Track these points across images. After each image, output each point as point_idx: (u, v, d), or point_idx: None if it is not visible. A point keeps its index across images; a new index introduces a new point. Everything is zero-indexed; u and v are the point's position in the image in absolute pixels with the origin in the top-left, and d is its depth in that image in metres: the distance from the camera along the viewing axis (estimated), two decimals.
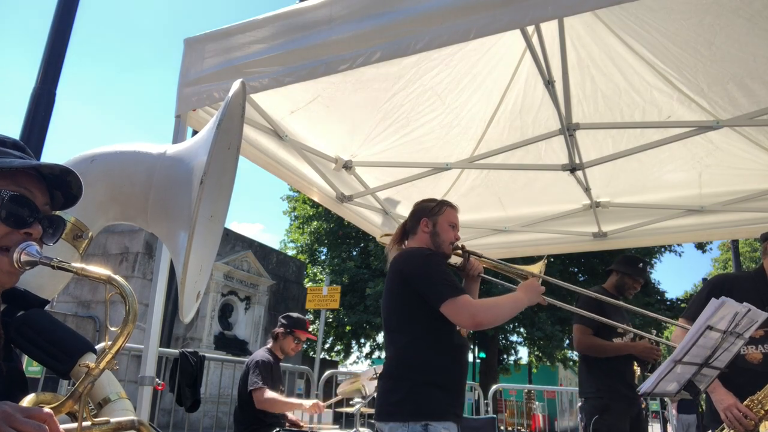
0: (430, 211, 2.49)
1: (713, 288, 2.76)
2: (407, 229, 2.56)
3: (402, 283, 2.29)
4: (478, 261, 2.57)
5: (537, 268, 2.54)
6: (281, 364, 4.30)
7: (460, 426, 2.22)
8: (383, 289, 2.44)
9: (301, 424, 4.22)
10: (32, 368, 5.20)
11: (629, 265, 3.66)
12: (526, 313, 16.71)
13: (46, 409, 0.84)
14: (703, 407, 3.77)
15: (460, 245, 2.53)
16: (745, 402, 2.43)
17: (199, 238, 1.36)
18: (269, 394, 3.75)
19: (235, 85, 1.39)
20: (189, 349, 4.67)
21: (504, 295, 2.31)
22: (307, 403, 4.08)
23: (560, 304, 2.69)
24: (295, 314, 4.26)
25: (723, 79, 2.99)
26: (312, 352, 20.05)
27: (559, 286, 2.90)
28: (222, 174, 1.52)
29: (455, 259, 2.62)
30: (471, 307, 2.15)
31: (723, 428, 2.46)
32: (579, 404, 3.56)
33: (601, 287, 3.70)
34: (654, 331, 3.38)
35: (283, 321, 4.19)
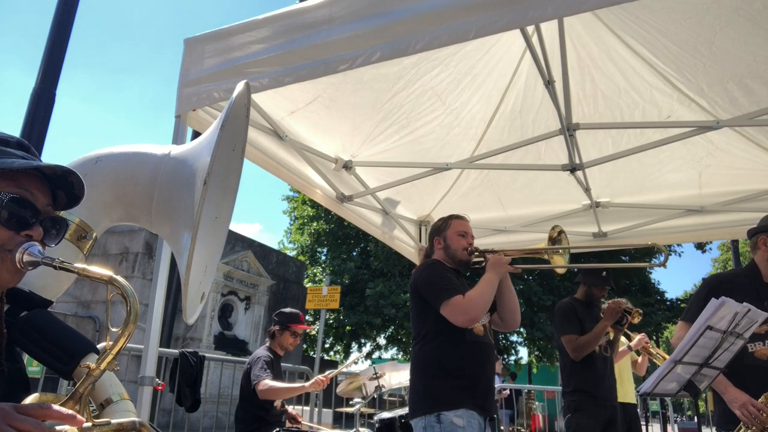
0: (438, 229, 2.72)
1: (712, 289, 2.72)
2: (428, 253, 2.79)
3: (415, 294, 2.55)
4: (496, 256, 2.68)
5: (544, 243, 2.75)
6: (282, 364, 4.30)
7: (485, 414, 2.35)
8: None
9: (300, 419, 4.22)
10: (32, 368, 5.19)
11: (593, 275, 3.89)
12: (526, 314, 16.70)
13: (45, 404, 0.83)
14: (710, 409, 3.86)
15: (474, 248, 2.69)
16: (761, 399, 2.45)
17: (204, 238, 1.36)
18: (268, 383, 3.74)
19: (239, 86, 1.38)
20: (189, 349, 4.67)
21: (478, 283, 2.46)
22: (308, 382, 4.09)
23: (533, 266, 2.94)
24: (287, 309, 4.27)
25: (723, 79, 2.99)
26: (312, 352, 20.05)
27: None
28: (227, 175, 1.52)
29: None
30: (462, 305, 2.34)
31: (740, 428, 2.47)
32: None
33: (573, 298, 3.95)
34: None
35: (276, 318, 4.20)
